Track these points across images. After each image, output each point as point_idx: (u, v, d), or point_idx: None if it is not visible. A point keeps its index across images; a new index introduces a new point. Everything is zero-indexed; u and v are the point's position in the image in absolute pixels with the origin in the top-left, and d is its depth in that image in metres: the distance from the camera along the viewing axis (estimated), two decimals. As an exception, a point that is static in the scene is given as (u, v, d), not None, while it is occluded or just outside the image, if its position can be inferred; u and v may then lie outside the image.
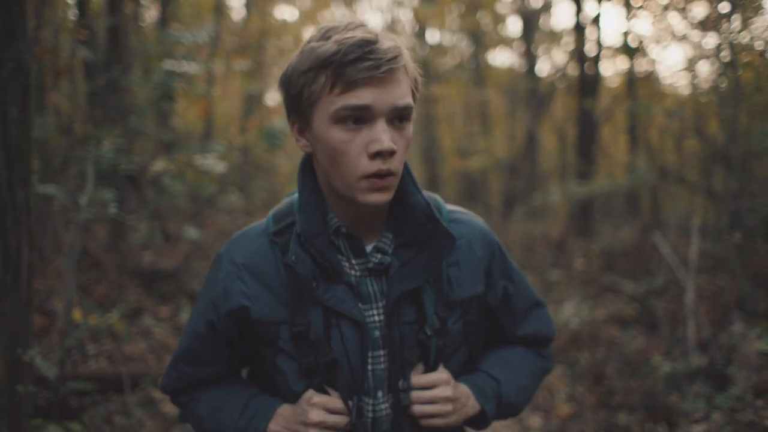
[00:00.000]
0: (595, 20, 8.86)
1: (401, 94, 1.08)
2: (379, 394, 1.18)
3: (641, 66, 9.44)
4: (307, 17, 19.46)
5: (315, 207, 1.17)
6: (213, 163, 3.74)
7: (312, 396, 1.15)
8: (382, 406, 1.19)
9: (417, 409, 1.17)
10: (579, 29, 8.94)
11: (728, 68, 5.51)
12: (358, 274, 1.18)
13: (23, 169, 2.23)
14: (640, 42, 7.89)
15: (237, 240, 1.26)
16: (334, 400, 1.15)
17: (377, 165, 1.07)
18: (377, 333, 1.17)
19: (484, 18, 13.40)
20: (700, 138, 7.63)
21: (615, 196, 10.73)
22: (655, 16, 7.39)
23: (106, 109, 4.83)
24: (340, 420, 1.15)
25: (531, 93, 11.03)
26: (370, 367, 1.17)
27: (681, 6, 6.62)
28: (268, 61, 12.81)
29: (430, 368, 1.20)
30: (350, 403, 1.16)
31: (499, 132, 14.16)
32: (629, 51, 8.29)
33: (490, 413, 1.25)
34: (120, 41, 5.51)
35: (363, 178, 1.08)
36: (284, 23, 17.67)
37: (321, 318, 1.15)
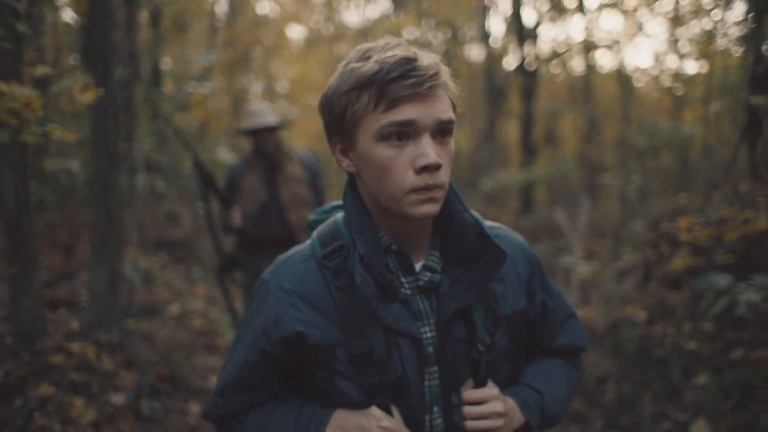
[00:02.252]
0: (534, 30, 10.31)
1: (443, 108, 1.09)
2: (435, 409, 1.19)
3: (591, 65, 10.89)
4: (288, 13, 20.38)
5: (368, 227, 1.18)
6: (226, 156, 5.14)
7: (382, 417, 1.14)
8: (438, 421, 1.19)
9: (470, 424, 1.18)
10: (520, 36, 10.36)
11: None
12: (408, 292, 1.19)
13: (116, 162, 3.64)
14: (575, 45, 9.32)
15: (282, 265, 1.25)
16: (401, 427, 1.15)
17: (424, 180, 1.08)
18: (430, 349, 1.18)
19: (459, 16, 14.51)
20: (619, 132, 9.19)
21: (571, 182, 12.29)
22: (626, 13, 8.41)
23: (131, 116, 6.21)
24: None
25: (489, 89, 12.39)
26: (426, 383, 1.18)
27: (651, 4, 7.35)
28: (254, 63, 14.09)
29: (479, 384, 1.21)
30: (422, 420, 1.18)
31: (467, 125, 15.53)
32: (559, 55, 9.77)
33: (534, 425, 1.26)
34: (136, 57, 6.86)
35: (411, 191, 1.09)
36: (266, 19, 18.66)
37: (382, 338, 1.15)
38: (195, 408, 3.54)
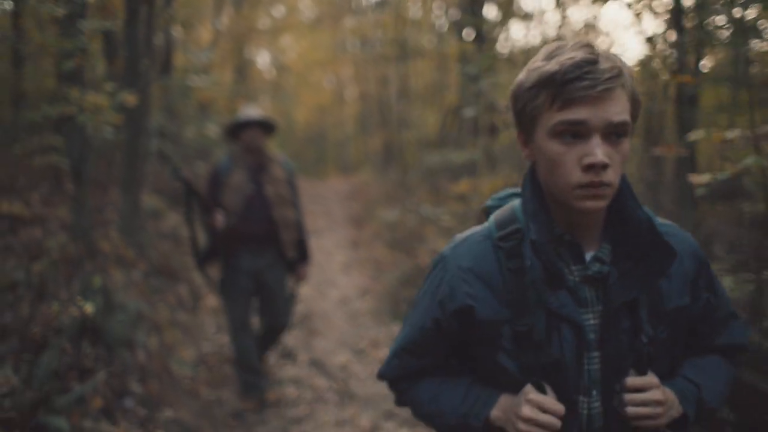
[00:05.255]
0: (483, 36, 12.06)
1: (617, 111, 1.14)
2: (594, 393, 1.24)
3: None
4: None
5: (543, 216, 1.25)
6: (214, 132, 7.19)
7: (530, 392, 1.22)
8: (595, 404, 1.24)
9: (631, 410, 1.21)
10: (479, 39, 12.01)
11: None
12: (577, 279, 1.24)
13: (145, 133, 5.71)
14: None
15: (461, 244, 1.34)
16: (550, 400, 1.20)
17: (590, 177, 1.14)
18: (592, 336, 1.23)
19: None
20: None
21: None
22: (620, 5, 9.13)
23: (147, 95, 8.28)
24: (551, 420, 1.19)
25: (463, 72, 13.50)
26: (586, 367, 1.23)
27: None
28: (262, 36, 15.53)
29: (641, 373, 1.24)
30: (576, 401, 1.23)
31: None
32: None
33: (691, 417, 1.29)
34: (153, 48, 8.91)
35: (577, 187, 1.15)
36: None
37: (543, 321, 1.22)
38: (182, 288, 5.68)
